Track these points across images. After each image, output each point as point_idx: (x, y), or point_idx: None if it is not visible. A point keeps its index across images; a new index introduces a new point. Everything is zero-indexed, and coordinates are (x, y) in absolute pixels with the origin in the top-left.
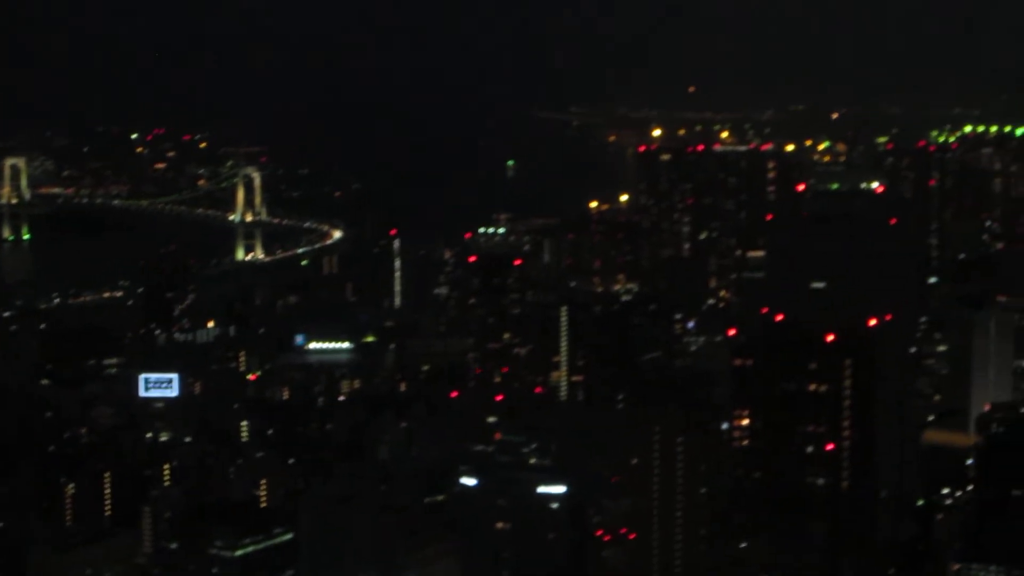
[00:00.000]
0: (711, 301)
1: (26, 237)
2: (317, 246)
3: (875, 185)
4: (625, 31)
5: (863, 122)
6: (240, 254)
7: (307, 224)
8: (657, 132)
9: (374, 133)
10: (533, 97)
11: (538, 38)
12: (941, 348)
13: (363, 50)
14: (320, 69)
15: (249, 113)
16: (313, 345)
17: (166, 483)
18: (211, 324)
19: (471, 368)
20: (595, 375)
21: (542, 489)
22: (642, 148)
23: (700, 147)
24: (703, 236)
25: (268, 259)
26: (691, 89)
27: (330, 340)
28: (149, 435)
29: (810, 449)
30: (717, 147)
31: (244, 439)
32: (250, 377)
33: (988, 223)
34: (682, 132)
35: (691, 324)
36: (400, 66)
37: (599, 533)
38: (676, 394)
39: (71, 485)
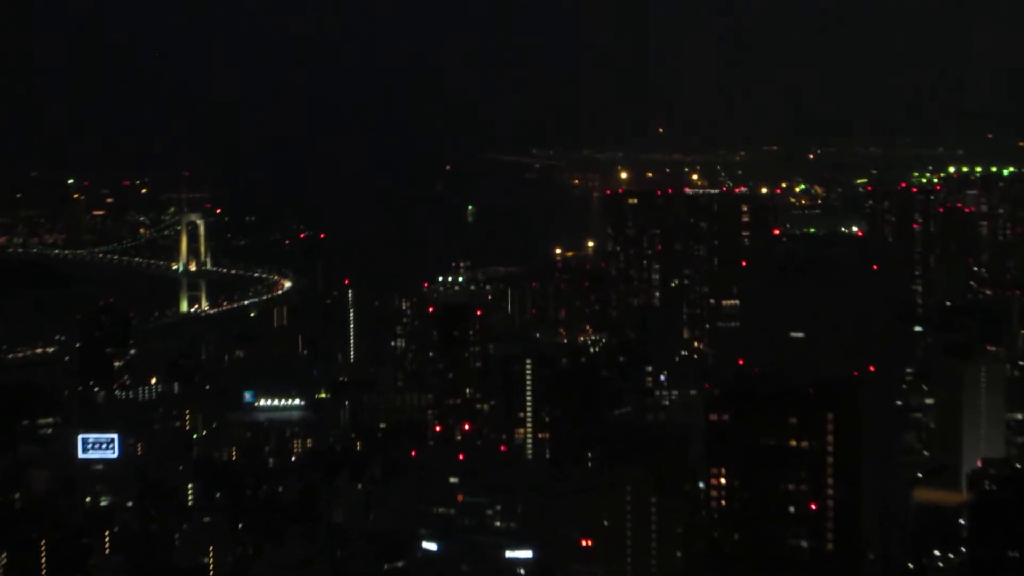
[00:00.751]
0: (684, 353)
1: None
2: (266, 297)
3: (855, 229)
4: (588, 72)
5: (840, 163)
6: (184, 306)
7: (255, 273)
8: (624, 175)
9: (326, 178)
10: (492, 141)
11: (497, 80)
12: (929, 401)
13: (309, 92)
14: (268, 113)
15: (193, 157)
16: (263, 402)
17: (107, 551)
18: (153, 380)
19: (431, 425)
20: (562, 432)
21: (508, 554)
22: (608, 191)
23: (669, 190)
24: (674, 284)
25: (214, 311)
26: (660, 130)
27: (281, 396)
28: (88, 499)
29: (792, 509)
30: (687, 190)
31: (190, 502)
32: (196, 437)
33: (975, 268)
34: (650, 175)
35: (663, 377)
36: (352, 110)
37: None
38: (649, 452)
39: (4, 554)
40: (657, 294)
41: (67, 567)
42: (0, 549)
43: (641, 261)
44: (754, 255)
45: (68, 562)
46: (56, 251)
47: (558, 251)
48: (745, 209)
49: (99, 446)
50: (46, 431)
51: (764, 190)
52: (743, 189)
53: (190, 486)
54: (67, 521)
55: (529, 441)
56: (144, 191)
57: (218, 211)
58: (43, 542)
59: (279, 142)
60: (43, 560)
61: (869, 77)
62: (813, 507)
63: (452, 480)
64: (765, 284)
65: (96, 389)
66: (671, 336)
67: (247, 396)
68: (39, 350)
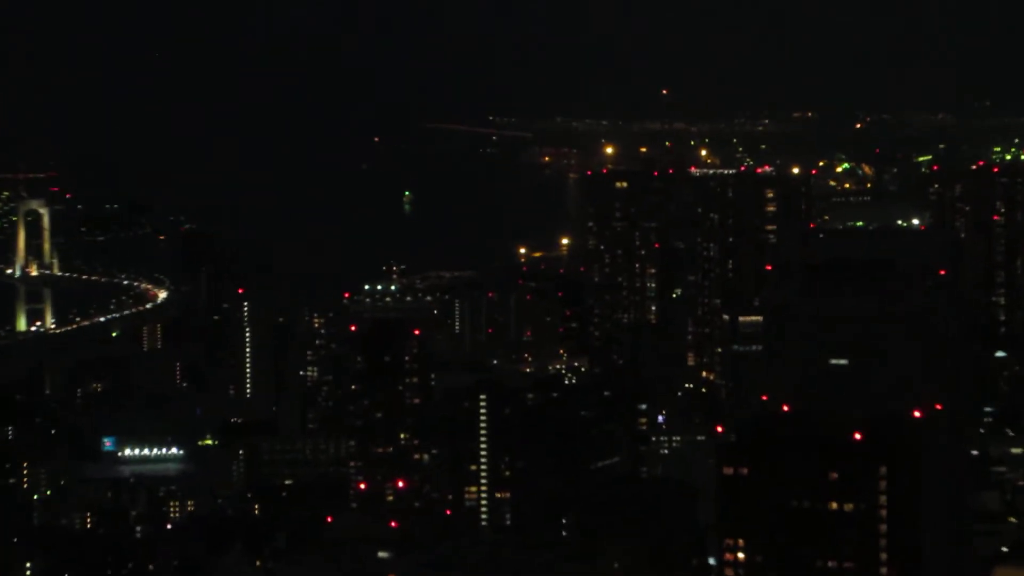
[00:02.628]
0: (689, 385)
1: None
2: (133, 311)
3: (916, 221)
4: (563, 19)
5: (897, 136)
6: (21, 323)
7: (119, 280)
8: (609, 150)
9: (215, 155)
10: (436, 106)
11: (442, 30)
12: (1015, 450)
13: (200, 43)
14: (138, 69)
15: (34, 128)
16: (128, 451)
17: None
18: None
19: (352, 482)
20: (528, 490)
21: None
22: (589, 172)
23: (670, 170)
24: (676, 294)
25: (62, 329)
26: (664, 92)
27: (152, 444)
28: None
29: None
30: (693, 170)
31: None
32: (37, 498)
33: None
34: (643, 150)
35: (661, 417)
36: (251, 66)
37: None
38: (643, 516)
39: None
40: (653, 308)
41: None
42: None
43: (632, 264)
44: (782, 256)
45: None
46: None
47: (523, 251)
48: (770, 195)
49: None
50: None
51: (795, 170)
52: (768, 169)
53: (28, 564)
54: None
55: (484, 502)
56: None
57: (68, 196)
58: None
59: (153, 106)
60: None
61: (933, 25)
62: None
63: (381, 555)
64: (797, 294)
65: None
66: (672, 363)
67: (107, 443)
68: None
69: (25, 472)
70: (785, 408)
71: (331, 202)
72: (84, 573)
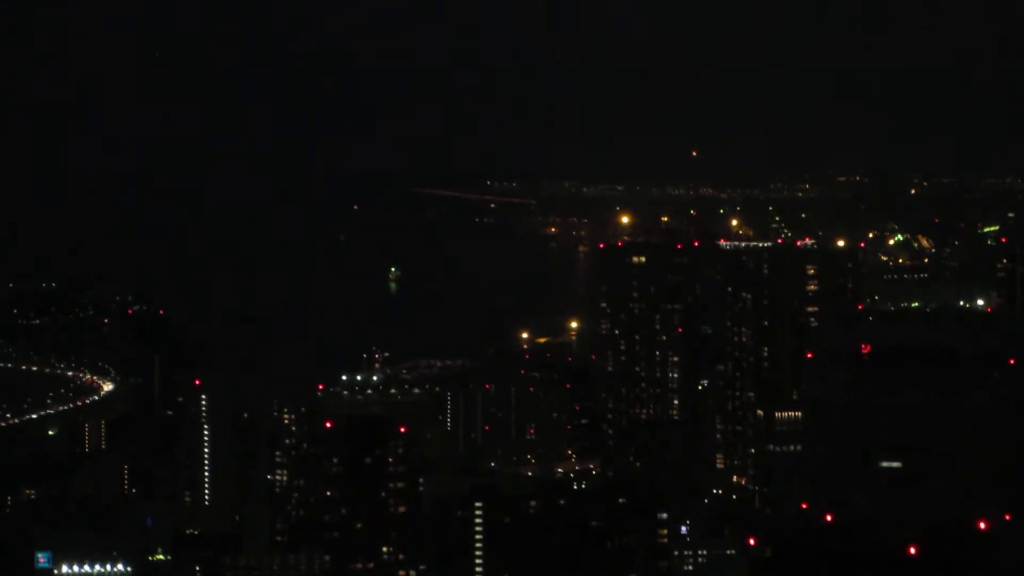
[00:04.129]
0: (717, 491)
1: None
2: (73, 405)
3: (980, 303)
4: (569, 71)
5: (959, 202)
6: None
7: (56, 370)
8: (625, 219)
9: (170, 223)
10: (426, 168)
11: (434, 80)
12: None
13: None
14: (82, 122)
15: None
16: (66, 569)
17: None
18: None
19: None
20: None
21: None
22: (602, 244)
23: (696, 242)
24: (702, 386)
25: None
26: (693, 152)
27: (95, 560)
28: None
29: None
30: (723, 242)
31: None
32: None
33: None
34: (666, 219)
35: (685, 528)
36: (218, 120)
37: None
38: None
39: None
40: (676, 401)
41: None
42: None
43: (652, 351)
44: (825, 342)
45: None
46: None
47: (525, 336)
48: (812, 272)
49: None
50: None
51: (841, 243)
52: (809, 241)
53: None
54: None
55: None
56: None
57: None
58: None
59: (98, 165)
60: None
61: (1000, 79)
62: None
63: None
64: (842, 387)
65: None
66: (697, 466)
67: (42, 560)
68: None
69: None
70: (828, 518)
71: (304, 278)
72: None
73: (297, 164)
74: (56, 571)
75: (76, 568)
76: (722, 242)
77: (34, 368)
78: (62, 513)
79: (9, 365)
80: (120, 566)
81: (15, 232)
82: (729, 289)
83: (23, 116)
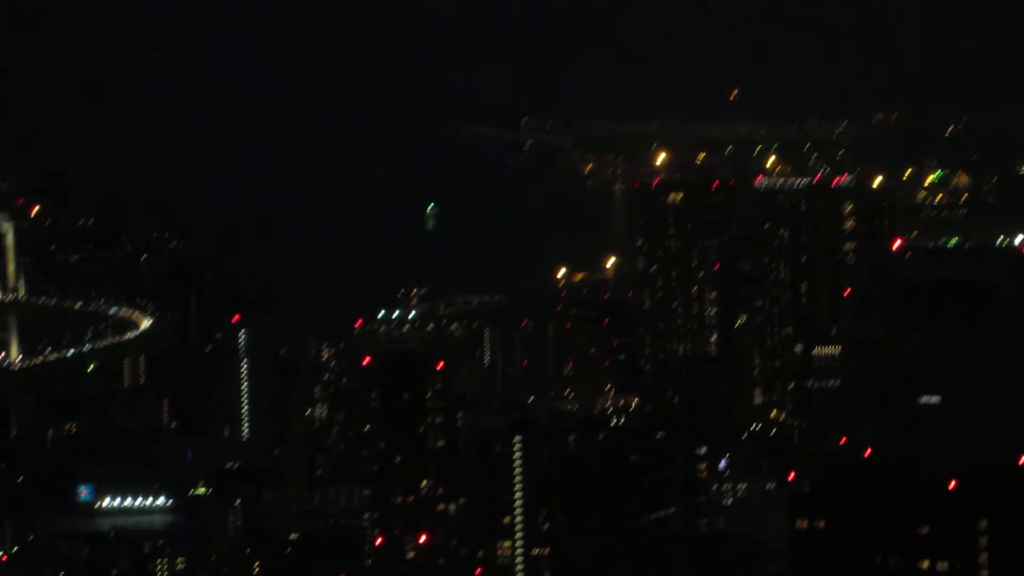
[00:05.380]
0: (755, 426)
1: None
2: (112, 341)
3: (1020, 239)
4: (608, 6)
5: (998, 139)
6: None
7: (95, 306)
8: (662, 157)
9: (207, 165)
10: (461, 107)
11: (465, 21)
12: None
13: (180, 34)
14: (118, 65)
15: None
16: (107, 502)
17: None
18: None
19: (367, 536)
20: (569, 547)
21: None
22: (638, 183)
23: (732, 180)
24: (740, 322)
25: (30, 363)
26: (734, 93)
27: (136, 493)
28: None
29: None
30: (760, 180)
31: None
32: (2, 557)
33: None
34: (702, 157)
35: (723, 463)
36: (250, 63)
37: None
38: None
39: None
40: (714, 338)
41: None
42: None
43: (689, 288)
44: (863, 279)
45: None
46: None
47: (562, 273)
48: (849, 209)
49: None
50: None
51: (879, 180)
52: (846, 179)
53: None
54: None
55: (519, 559)
56: None
57: (35, 210)
58: None
59: (135, 106)
60: None
61: None
62: None
63: None
64: (881, 322)
65: None
66: (736, 401)
67: (83, 493)
68: None
69: None
70: (868, 452)
71: (341, 216)
72: None
73: (333, 101)
74: (97, 504)
75: (117, 501)
76: (759, 180)
77: (73, 304)
78: (103, 448)
79: (49, 302)
80: (160, 499)
81: (54, 170)
82: (766, 226)
83: (62, 51)
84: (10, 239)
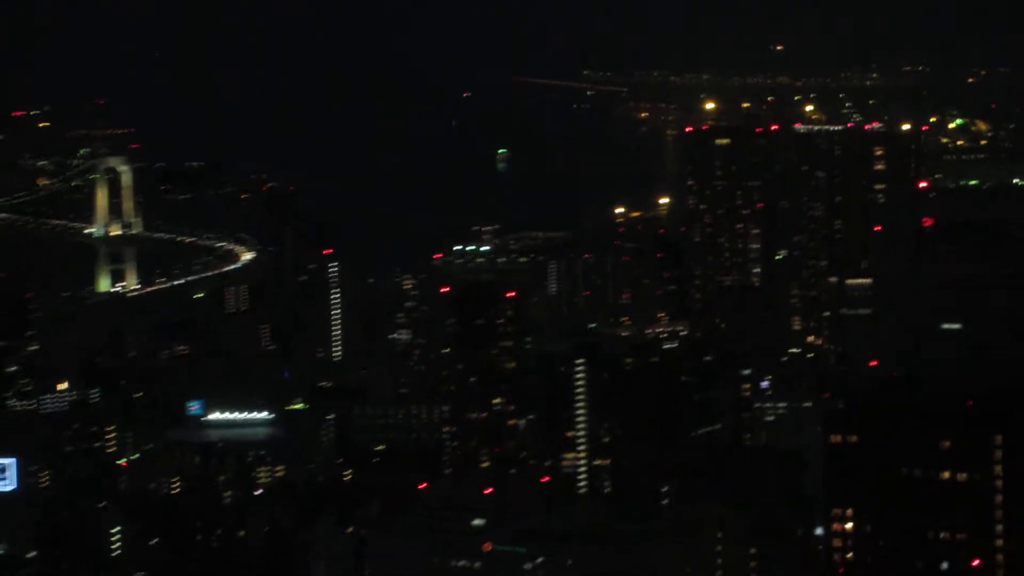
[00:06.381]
0: (794, 350)
1: None
2: (217, 272)
3: None
4: None
5: (1013, 88)
6: (104, 284)
7: (202, 239)
8: (709, 105)
9: (301, 110)
10: (527, 60)
11: None
12: None
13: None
14: (220, 22)
15: (113, 82)
16: (215, 415)
17: None
18: (63, 386)
19: (446, 448)
20: (628, 457)
21: None
22: (689, 128)
23: (774, 126)
24: (780, 256)
25: (146, 290)
26: (777, 47)
27: (240, 408)
28: None
29: (945, 565)
30: (798, 126)
31: (115, 552)
32: (124, 462)
33: None
34: (746, 106)
35: (765, 383)
36: (337, 20)
37: None
38: (747, 485)
39: None
40: (757, 270)
41: None
42: None
43: (735, 224)
44: (892, 216)
45: None
46: None
47: (620, 211)
48: (879, 153)
49: None
50: None
51: (906, 126)
52: (876, 125)
53: (115, 529)
54: None
55: (582, 470)
56: (44, 126)
57: (149, 154)
58: None
59: (235, 60)
60: None
61: None
62: (975, 563)
63: (476, 523)
64: (907, 256)
65: None
66: (776, 328)
67: (194, 407)
68: None
69: (110, 436)
70: (894, 374)
71: (423, 161)
72: (172, 539)
73: (414, 57)
74: (206, 417)
75: (223, 415)
76: (797, 126)
77: (182, 238)
78: (210, 367)
79: (160, 235)
80: (262, 413)
81: (163, 115)
82: (804, 168)
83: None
84: (128, 180)
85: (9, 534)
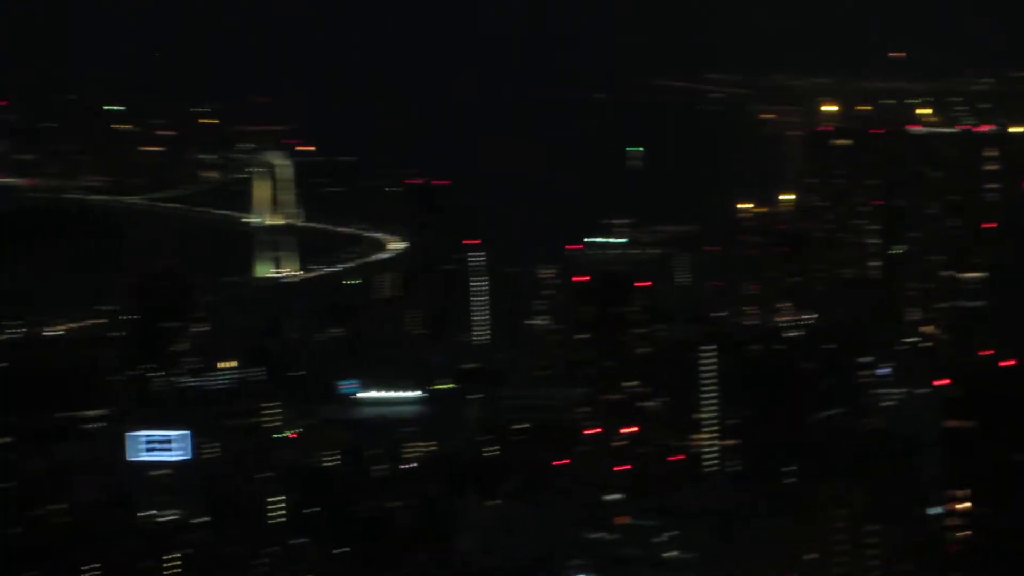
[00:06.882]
0: (911, 339)
1: None
2: (370, 260)
3: None
4: None
5: None
6: (264, 270)
7: (355, 230)
8: (831, 108)
9: (445, 111)
10: (657, 63)
11: None
12: None
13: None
14: (373, 23)
15: (273, 81)
16: (368, 394)
17: None
18: (228, 364)
19: (583, 427)
20: (753, 438)
21: None
22: (811, 130)
23: (891, 128)
24: (898, 250)
25: (303, 276)
26: (897, 55)
27: (391, 387)
28: (147, 514)
29: None
30: (915, 128)
31: (277, 520)
32: (284, 436)
33: None
34: (865, 108)
35: (884, 370)
36: (477, 24)
37: None
38: (865, 466)
39: None
40: (875, 263)
41: None
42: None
43: (854, 221)
44: (1004, 214)
45: None
46: (98, 196)
47: (745, 206)
48: (991, 154)
49: (159, 446)
50: (92, 427)
51: (1019, 129)
52: (991, 128)
53: (276, 499)
54: (120, 542)
55: (710, 449)
56: (210, 122)
57: (307, 149)
58: (90, 567)
59: (383, 62)
60: None
61: None
62: None
63: (611, 497)
64: (1018, 252)
65: (155, 374)
66: (894, 318)
67: (348, 386)
68: (80, 323)
69: (272, 412)
70: (1010, 363)
71: (558, 157)
72: (330, 507)
73: (552, 61)
74: (359, 396)
75: (375, 394)
76: (913, 128)
77: (338, 228)
78: (363, 349)
79: (317, 225)
80: (411, 392)
81: (320, 113)
82: (919, 168)
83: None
84: (287, 173)
85: (180, 501)
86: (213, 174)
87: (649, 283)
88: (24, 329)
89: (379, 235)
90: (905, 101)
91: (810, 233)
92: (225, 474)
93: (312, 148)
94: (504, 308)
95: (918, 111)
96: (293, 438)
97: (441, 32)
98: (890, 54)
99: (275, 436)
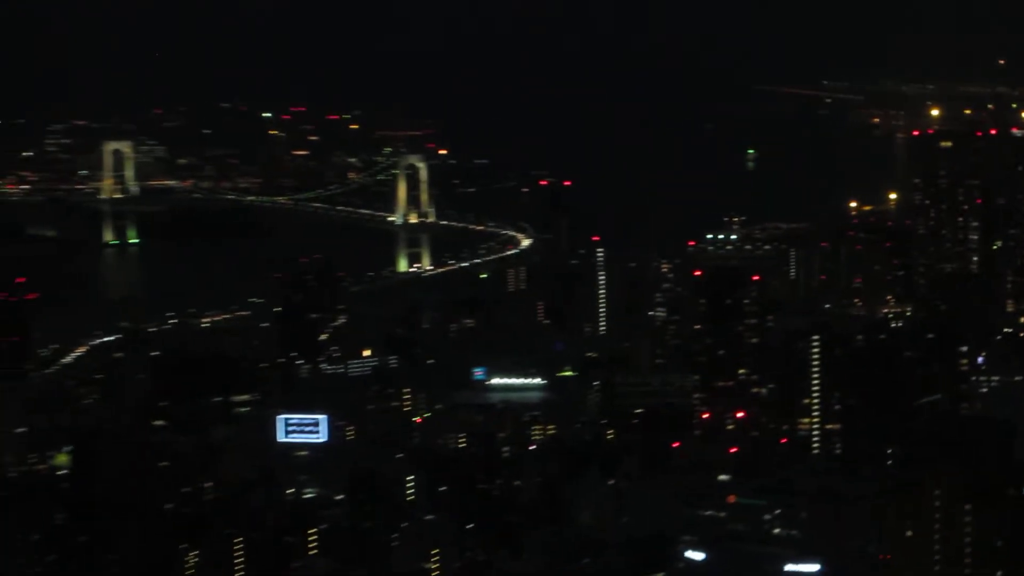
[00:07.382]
0: (1008, 330)
1: (133, 241)
2: (500, 256)
3: None
4: None
5: None
6: (402, 265)
7: (487, 227)
8: (935, 112)
9: (572, 116)
10: (772, 71)
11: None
12: None
13: (556, 16)
14: (503, 35)
15: (412, 88)
16: (496, 380)
17: (312, 552)
18: (367, 353)
19: (696, 412)
20: (857, 423)
21: (789, 567)
22: (916, 132)
23: (992, 131)
24: (997, 246)
25: (438, 271)
26: (1001, 62)
27: (517, 374)
28: (290, 491)
29: None
30: (1015, 130)
31: (409, 498)
32: (417, 420)
33: None
34: (968, 112)
35: (981, 359)
36: (603, 31)
37: None
38: (963, 449)
39: (193, 553)
40: (975, 258)
41: (266, 569)
42: (189, 548)
43: (956, 218)
44: None
45: (267, 563)
46: (250, 198)
47: (853, 205)
48: None
49: (303, 429)
50: (241, 410)
51: None
52: None
53: (410, 478)
54: (266, 517)
55: (816, 433)
56: (354, 127)
57: (443, 152)
58: (238, 540)
59: (514, 72)
60: (238, 561)
61: None
62: None
63: (722, 478)
64: None
65: (299, 362)
66: (992, 310)
67: (477, 373)
68: (232, 314)
69: (407, 397)
70: None
71: (678, 160)
72: (457, 488)
73: (672, 69)
74: (488, 382)
75: (503, 380)
76: (1014, 130)
77: (470, 226)
78: (491, 338)
79: (451, 224)
80: (536, 379)
81: (457, 118)
82: (1020, 169)
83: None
84: (424, 175)
85: (321, 479)
86: (356, 176)
87: (760, 277)
88: (175, 320)
89: (510, 232)
90: (1011, 106)
91: (914, 230)
92: (361, 454)
93: (447, 151)
94: (625, 300)
95: (1021, 114)
96: (425, 421)
97: (568, 45)
98: (1000, 61)
99: (410, 419)
